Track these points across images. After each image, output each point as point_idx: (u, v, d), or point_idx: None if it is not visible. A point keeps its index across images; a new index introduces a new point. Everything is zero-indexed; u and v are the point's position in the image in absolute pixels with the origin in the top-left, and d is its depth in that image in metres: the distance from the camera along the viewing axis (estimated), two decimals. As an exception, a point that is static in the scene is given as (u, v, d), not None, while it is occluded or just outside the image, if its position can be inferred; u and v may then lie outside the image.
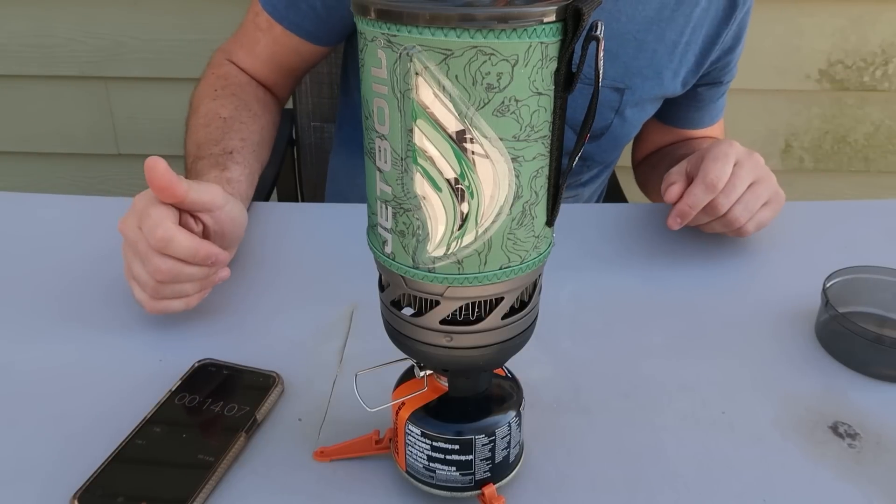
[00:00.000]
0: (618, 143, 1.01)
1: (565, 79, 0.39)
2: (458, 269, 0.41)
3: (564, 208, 0.82)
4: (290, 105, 1.35)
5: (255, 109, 0.89)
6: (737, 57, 1.01)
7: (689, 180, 0.76)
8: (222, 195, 0.67)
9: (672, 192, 0.76)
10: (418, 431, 0.50)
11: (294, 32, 0.90)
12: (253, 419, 0.57)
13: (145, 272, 0.63)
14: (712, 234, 0.82)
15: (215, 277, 0.67)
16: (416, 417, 0.50)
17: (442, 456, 0.50)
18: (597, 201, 1.16)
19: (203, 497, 0.51)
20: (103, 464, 0.53)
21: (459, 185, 0.39)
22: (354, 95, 1.04)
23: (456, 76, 0.36)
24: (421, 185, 0.39)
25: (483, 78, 0.36)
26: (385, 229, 0.43)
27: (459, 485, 0.51)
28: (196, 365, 0.62)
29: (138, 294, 0.65)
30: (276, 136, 0.96)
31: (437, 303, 0.43)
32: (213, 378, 0.61)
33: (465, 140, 0.38)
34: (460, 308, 0.44)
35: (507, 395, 0.52)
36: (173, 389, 0.60)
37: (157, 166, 0.60)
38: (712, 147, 0.77)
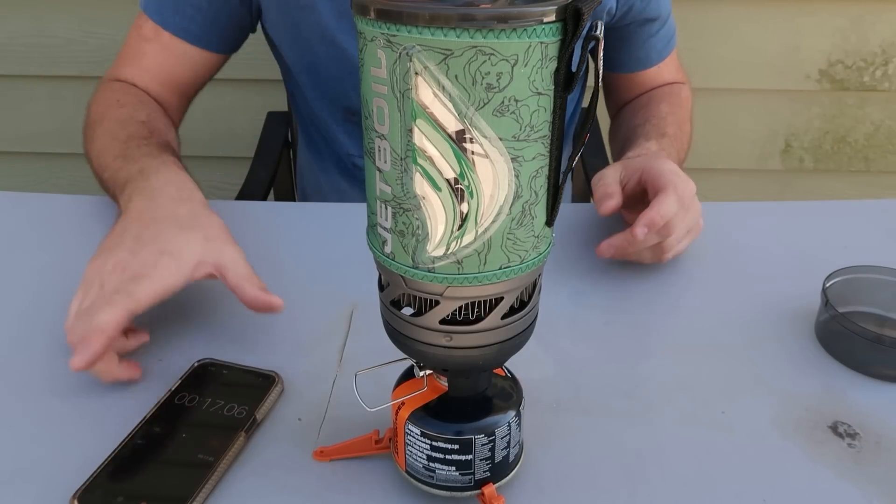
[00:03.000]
0: None
1: (565, 79, 0.39)
2: (458, 268, 0.41)
3: (564, 208, 0.82)
4: (285, 108, 1.36)
5: (164, 120, 0.87)
6: None
7: (623, 189, 0.76)
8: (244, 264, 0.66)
9: (607, 207, 0.74)
10: (418, 431, 0.50)
11: (182, 37, 0.89)
12: (252, 419, 0.57)
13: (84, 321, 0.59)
14: (712, 234, 0.82)
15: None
16: (415, 417, 0.50)
17: (442, 456, 0.50)
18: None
19: (203, 496, 0.51)
20: (103, 464, 0.53)
21: (459, 185, 0.39)
22: (296, 94, 1.05)
23: (456, 76, 0.36)
24: (421, 185, 0.39)
25: (483, 78, 0.36)
26: (385, 229, 0.43)
27: (459, 484, 0.51)
28: (196, 365, 0.62)
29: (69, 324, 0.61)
30: (272, 138, 0.95)
31: (437, 303, 0.43)
32: (213, 378, 0.61)
33: (464, 140, 0.38)
34: (460, 308, 0.44)
35: (506, 395, 0.52)
36: (173, 389, 0.60)
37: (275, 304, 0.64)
38: (655, 165, 0.75)
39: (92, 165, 0.82)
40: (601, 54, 0.39)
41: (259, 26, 0.98)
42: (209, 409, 0.58)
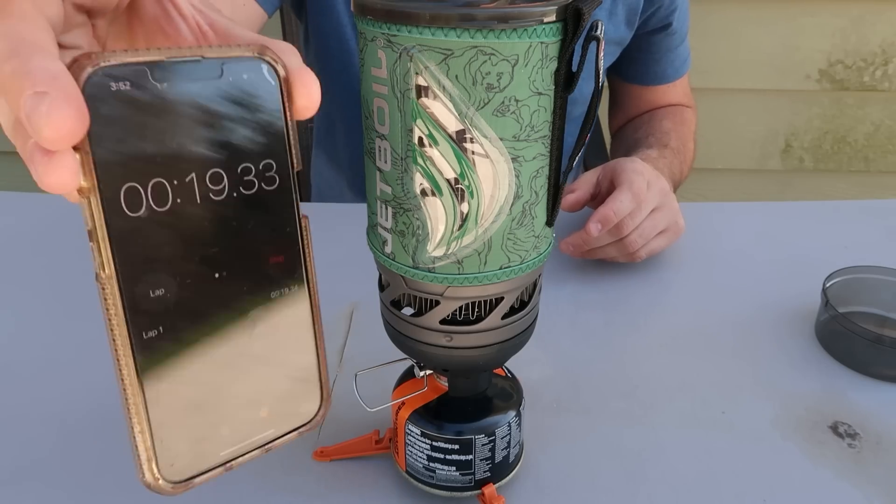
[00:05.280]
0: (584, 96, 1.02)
1: (565, 79, 0.39)
2: (458, 269, 0.41)
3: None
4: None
5: None
6: None
7: (597, 191, 0.77)
8: None
9: (566, 202, 0.75)
10: (418, 431, 0.50)
11: None
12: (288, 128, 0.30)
13: None
14: (712, 234, 0.82)
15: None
16: (415, 417, 0.50)
17: (442, 456, 0.50)
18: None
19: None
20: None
21: (459, 185, 0.39)
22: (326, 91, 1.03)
23: (456, 76, 0.36)
24: (421, 185, 0.39)
25: (483, 78, 0.36)
26: (385, 229, 0.43)
27: (459, 485, 0.51)
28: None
29: None
30: None
31: (437, 303, 0.43)
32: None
33: (465, 140, 0.38)
34: (460, 308, 0.44)
35: (506, 395, 0.52)
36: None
37: None
38: (621, 165, 0.77)
39: None
40: (601, 54, 0.39)
41: (269, 25, 0.98)
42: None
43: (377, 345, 0.53)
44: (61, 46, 0.27)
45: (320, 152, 1.15)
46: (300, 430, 0.32)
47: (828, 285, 0.68)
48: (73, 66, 0.24)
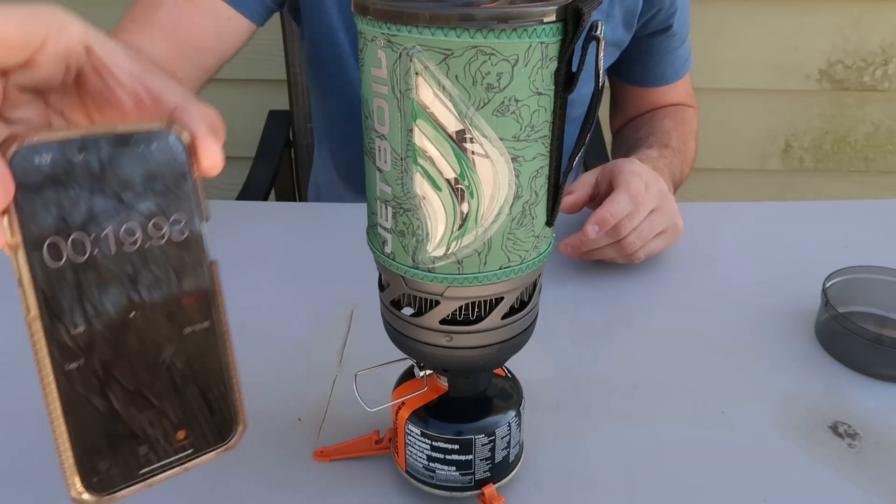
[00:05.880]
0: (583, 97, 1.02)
1: (565, 79, 0.39)
2: (458, 269, 0.41)
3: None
4: (286, 107, 1.36)
5: None
6: None
7: (596, 192, 0.77)
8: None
9: (564, 204, 0.75)
10: (418, 431, 0.50)
11: None
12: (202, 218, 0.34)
13: None
14: (712, 234, 0.82)
15: None
16: (415, 417, 0.50)
17: (442, 456, 0.50)
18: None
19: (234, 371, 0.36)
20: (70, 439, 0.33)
21: (459, 185, 0.39)
22: (317, 91, 1.02)
23: (456, 76, 0.36)
24: (421, 185, 0.39)
25: (483, 78, 0.36)
26: (385, 229, 0.43)
27: (459, 485, 0.51)
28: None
29: None
30: (273, 138, 0.94)
31: (437, 303, 0.43)
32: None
33: (464, 140, 0.38)
34: (460, 308, 0.44)
35: (506, 395, 0.52)
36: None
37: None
38: (619, 166, 0.76)
39: None
40: (601, 54, 0.39)
41: (266, 26, 0.97)
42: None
43: (377, 345, 0.53)
44: (9, 121, 0.33)
45: (319, 153, 1.15)
46: (217, 450, 0.36)
47: (828, 285, 0.68)
48: (3, 144, 0.29)
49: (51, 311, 0.31)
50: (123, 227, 0.32)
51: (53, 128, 0.32)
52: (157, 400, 0.34)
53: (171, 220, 0.33)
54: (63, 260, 0.31)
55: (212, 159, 0.33)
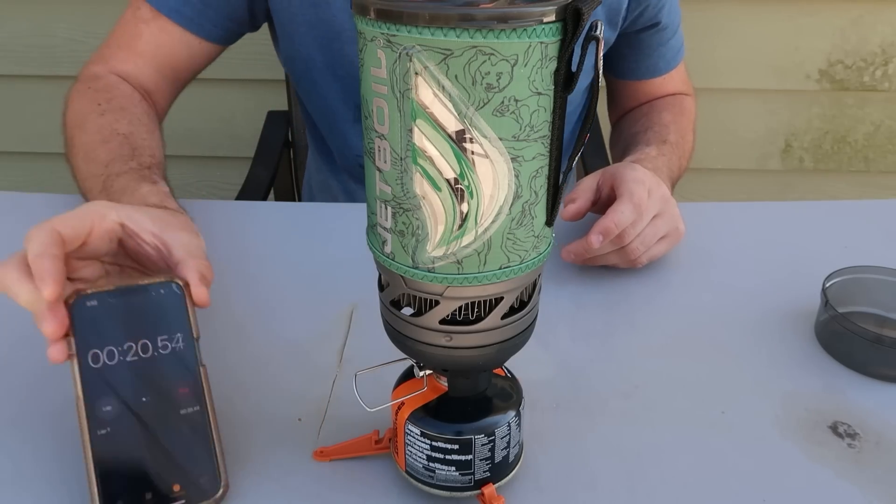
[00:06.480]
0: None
1: (565, 79, 0.39)
2: (458, 269, 0.41)
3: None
4: (285, 107, 1.36)
5: (147, 124, 0.83)
6: None
7: (597, 197, 0.77)
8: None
9: (567, 212, 0.75)
10: (418, 431, 0.50)
11: (177, 21, 0.88)
12: (194, 339, 0.52)
13: None
14: (712, 234, 0.82)
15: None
16: (415, 417, 0.50)
17: (441, 456, 0.50)
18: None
19: (219, 448, 0.51)
20: (94, 476, 0.48)
21: (459, 185, 0.39)
22: (309, 93, 1.04)
23: (455, 76, 0.36)
24: (420, 185, 0.39)
25: (483, 78, 0.36)
26: (384, 229, 0.43)
27: (459, 485, 0.51)
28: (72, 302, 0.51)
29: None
30: (272, 138, 0.95)
31: (437, 303, 0.43)
32: (108, 315, 0.52)
33: (464, 140, 0.38)
34: (460, 308, 0.44)
35: (506, 395, 0.52)
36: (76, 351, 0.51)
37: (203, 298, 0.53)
38: (621, 172, 0.76)
39: (75, 178, 0.80)
40: (601, 54, 0.39)
41: (264, 26, 0.98)
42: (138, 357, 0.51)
43: (377, 345, 0.53)
44: (75, 279, 0.53)
45: (313, 156, 1.16)
46: (205, 502, 0.50)
47: (827, 285, 0.68)
48: (69, 297, 0.49)
49: (88, 396, 0.49)
50: (140, 343, 0.50)
51: (102, 282, 0.53)
52: (160, 459, 0.49)
53: (173, 337, 0.51)
54: (100, 364, 0.49)
55: (200, 298, 0.52)
